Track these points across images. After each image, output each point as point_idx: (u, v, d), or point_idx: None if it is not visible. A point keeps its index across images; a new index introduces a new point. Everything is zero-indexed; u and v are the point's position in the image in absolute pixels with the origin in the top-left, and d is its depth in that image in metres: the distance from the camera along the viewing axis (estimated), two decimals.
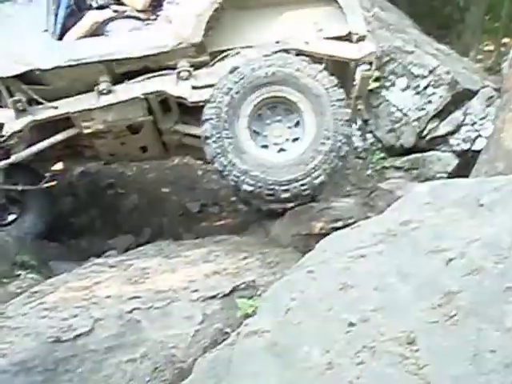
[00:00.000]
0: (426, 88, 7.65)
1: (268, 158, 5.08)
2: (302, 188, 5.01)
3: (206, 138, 5.06)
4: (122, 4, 5.83)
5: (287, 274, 3.96)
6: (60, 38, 5.65)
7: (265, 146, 5.17)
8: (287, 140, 5.19)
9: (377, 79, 7.50)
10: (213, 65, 5.48)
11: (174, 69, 5.49)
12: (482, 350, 2.38)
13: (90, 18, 5.72)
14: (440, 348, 2.48)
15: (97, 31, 5.69)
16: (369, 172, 7.68)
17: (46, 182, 6.29)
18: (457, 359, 2.40)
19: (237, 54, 5.42)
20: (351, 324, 2.81)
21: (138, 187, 7.69)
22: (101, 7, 5.85)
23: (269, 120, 5.21)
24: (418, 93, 7.70)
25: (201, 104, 5.37)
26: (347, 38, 5.41)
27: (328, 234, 4.38)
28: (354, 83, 5.79)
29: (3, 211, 6.40)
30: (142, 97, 5.52)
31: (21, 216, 6.45)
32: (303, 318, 3.01)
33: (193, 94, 5.44)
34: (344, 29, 5.40)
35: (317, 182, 5.03)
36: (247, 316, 3.96)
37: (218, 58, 5.47)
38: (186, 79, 5.44)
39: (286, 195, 4.96)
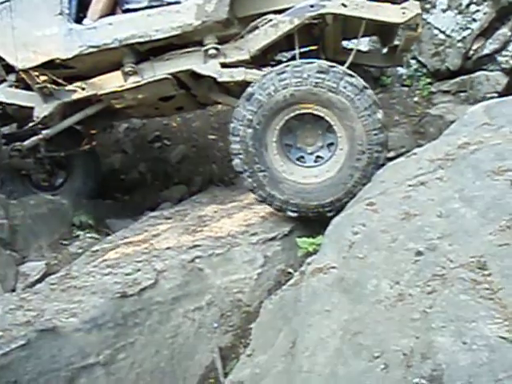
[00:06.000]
0: (468, 6, 7.35)
1: (307, 180, 4.64)
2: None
3: (239, 172, 4.75)
4: None
5: (347, 208, 3.92)
6: (78, 18, 5.37)
7: (301, 158, 4.76)
8: (322, 147, 4.74)
9: None
10: (242, 37, 5.09)
11: (200, 44, 5.15)
12: None
13: None
14: None
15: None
16: (416, 99, 7.50)
17: (86, 144, 6.34)
18: None
19: (267, 22, 4.97)
20: (419, 253, 2.75)
21: (184, 137, 7.68)
22: None
23: (299, 130, 4.76)
24: (460, 12, 7.41)
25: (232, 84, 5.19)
26: None
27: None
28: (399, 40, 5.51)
29: (51, 177, 6.46)
30: (170, 77, 5.29)
31: (69, 178, 6.51)
32: (368, 251, 2.97)
33: (222, 74, 5.12)
34: None
35: None
36: (309, 254, 3.95)
37: (248, 29, 5.07)
38: (214, 57, 5.12)
39: (332, 214, 4.34)
